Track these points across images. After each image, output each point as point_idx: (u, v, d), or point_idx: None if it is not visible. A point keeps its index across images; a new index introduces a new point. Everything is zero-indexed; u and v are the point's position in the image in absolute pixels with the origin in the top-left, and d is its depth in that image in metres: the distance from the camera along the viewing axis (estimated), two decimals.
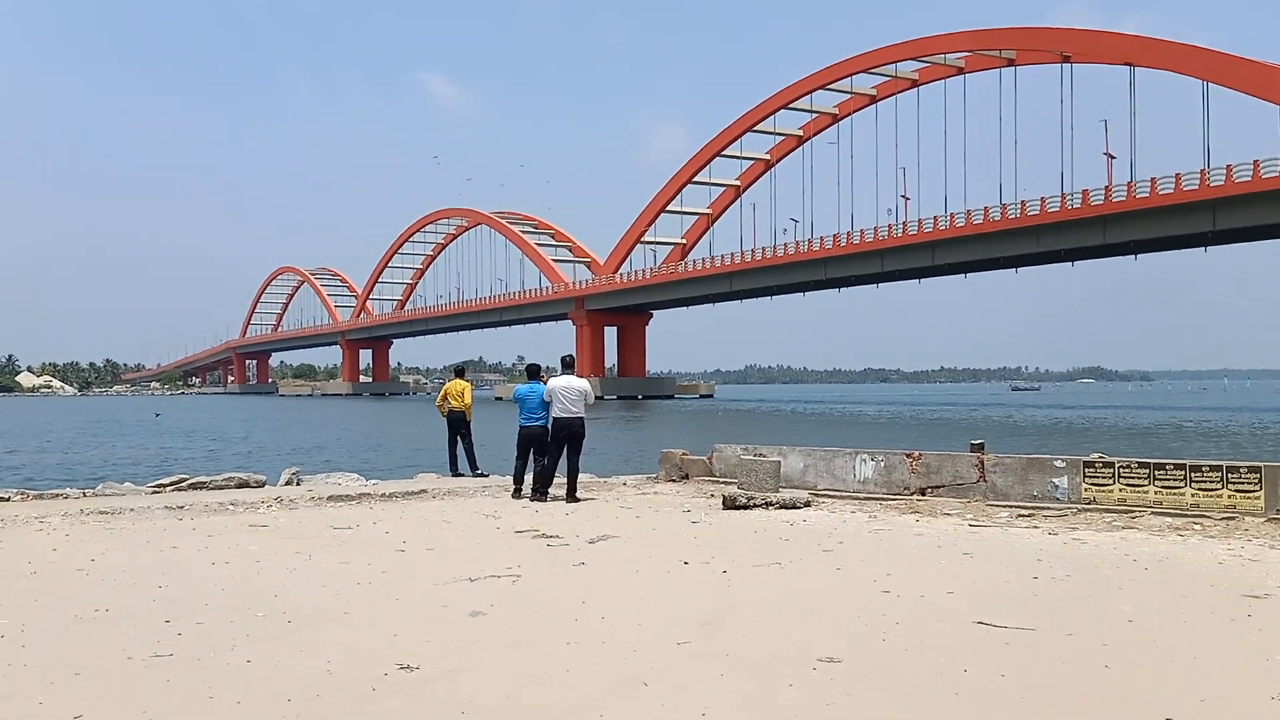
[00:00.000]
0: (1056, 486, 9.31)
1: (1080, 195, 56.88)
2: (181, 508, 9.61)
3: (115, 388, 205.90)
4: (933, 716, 3.64)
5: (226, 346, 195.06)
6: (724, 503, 9.71)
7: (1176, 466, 8.86)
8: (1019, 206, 60.03)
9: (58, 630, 4.93)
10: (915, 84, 75.87)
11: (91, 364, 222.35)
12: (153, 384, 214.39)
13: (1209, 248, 58.26)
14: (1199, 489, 8.65)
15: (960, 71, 71.46)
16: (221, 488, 11.34)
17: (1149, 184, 53.62)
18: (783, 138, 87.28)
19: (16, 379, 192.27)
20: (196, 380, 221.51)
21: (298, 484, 12.12)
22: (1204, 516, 8.42)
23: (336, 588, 5.94)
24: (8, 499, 10.31)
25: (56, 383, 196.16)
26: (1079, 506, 9.07)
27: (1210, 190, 50.60)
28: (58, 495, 10.88)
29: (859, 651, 4.48)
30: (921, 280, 75.03)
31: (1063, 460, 9.46)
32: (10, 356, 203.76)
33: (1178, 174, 52.30)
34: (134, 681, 4.07)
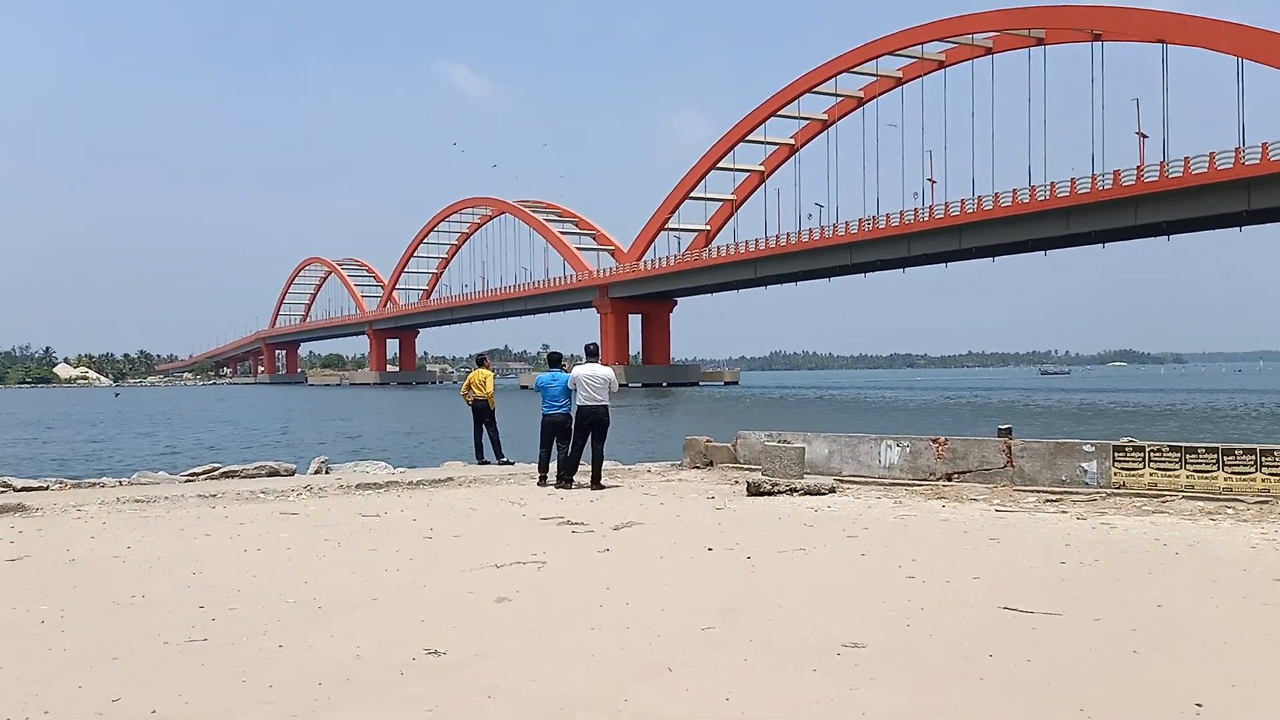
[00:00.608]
0: (1085, 471, 9.22)
1: (1111, 176, 56.04)
2: (214, 496, 9.76)
3: (149, 378, 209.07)
4: (957, 702, 3.63)
5: (256, 337, 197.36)
6: (748, 489, 9.71)
7: (1209, 450, 8.74)
8: (1048, 188, 59.24)
9: (96, 615, 5.04)
10: (942, 65, 74.97)
11: (126, 355, 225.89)
12: (185, 375, 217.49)
13: (1244, 227, 57.21)
14: (1232, 472, 8.54)
15: (988, 52, 70.49)
16: (252, 476, 11.50)
17: (1182, 163, 52.70)
18: (807, 122, 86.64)
19: (54, 370, 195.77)
20: (227, 370, 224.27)
21: (326, 472, 12.27)
22: (1237, 500, 8.31)
23: (365, 574, 6.02)
24: (46, 488, 10.53)
25: (92, 374, 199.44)
26: (1108, 491, 8.98)
27: (1245, 169, 49.66)
28: (94, 484, 11.10)
29: (883, 637, 4.48)
30: (949, 264, 74.38)
31: (1092, 444, 9.37)
32: (48, 348, 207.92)
33: (1211, 153, 51.38)
34: (169, 665, 4.16)
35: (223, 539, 7.39)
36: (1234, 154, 50.46)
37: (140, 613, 5.10)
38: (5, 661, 4.22)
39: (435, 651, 4.30)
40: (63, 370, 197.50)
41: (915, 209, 68.66)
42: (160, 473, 12.26)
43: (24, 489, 10.31)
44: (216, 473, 11.57)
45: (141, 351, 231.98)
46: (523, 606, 5.16)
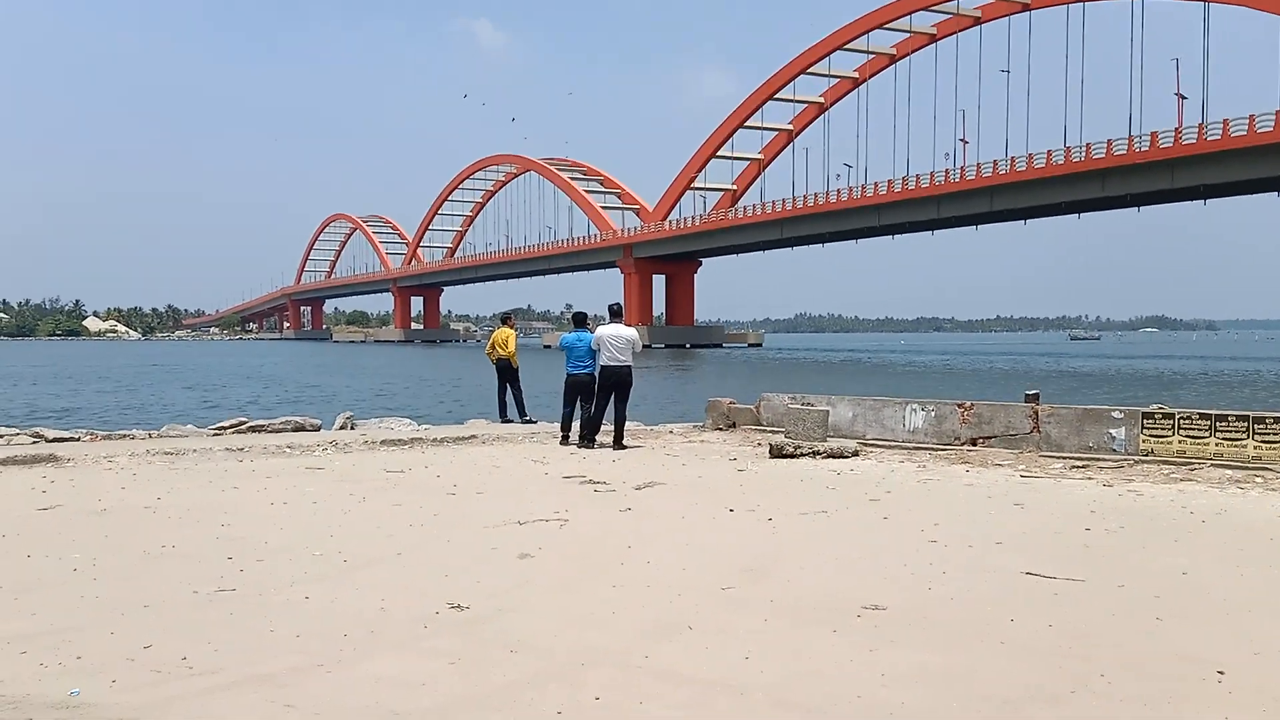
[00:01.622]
0: (1113, 438, 9.14)
1: (1148, 138, 54.82)
2: (241, 450, 9.90)
3: (177, 333, 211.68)
4: (977, 665, 3.64)
5: (282, 293, 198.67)
6: (771, 451, 9.72)
7: (1239, 418, 8.63)
8: (1083, 149, 58.07)
9: (127, 565, 5.15)
10: (978, 22, 73.26)
11: (154, 309, 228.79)
12: (211, 329, 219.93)
13: None
14: (1262, 441, 8.44)
15: (1025, 8, 68.80)
16: (279, 431, 11.65)
17: (1220, 126, 51.43)
18: (838, 80, 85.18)
19: (84, 323, 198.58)
20: (254, 326, 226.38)
21: (352, 428, 12.40)
22: (1266, 469, 8.22)
23: (390, 529, 6.10)
24: (78, 439, 10.73)
25: (121, 327, 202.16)
26: (1136, 458, 8.91)
27: None
28: (125, 436, 11.29)
29: (904, 600, 4.49)
30: (979, 227, 73.34)
31: (1120, 411, 9.28)
32: (78, 301, 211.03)
33: (1251, 115, 50.08)
34: (199, 615, 4.25)
35: (250, 492, 7.51)
36: (1274, 117, 49.14)
37: (170, 563, 5.20)
38: (39, 608, 4.33)
39: (459, 606, 4.36)
40: (92, 323, 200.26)
41: (946, 170, 67.60)
42: (189, 426, 12.45)
43: (56, 440, 10.51)
44: (243, 427, 11.73)
45: (169, 306, 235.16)
46: (545, 563, 5.22)
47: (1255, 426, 8.49)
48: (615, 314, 11.19)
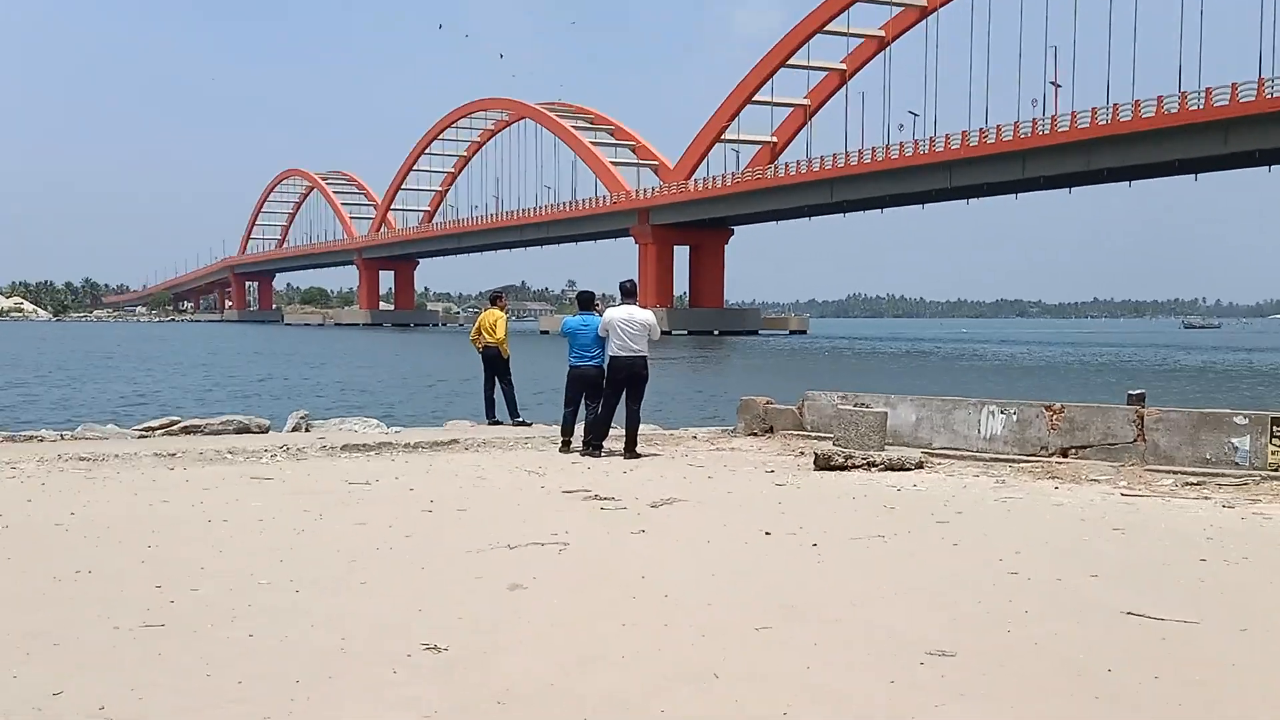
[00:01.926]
0: (1236, 449, 9.11)
1: None
2: (173, 455, 9.98)
3: (95, 312, 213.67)
4: None
5: (223, 265, 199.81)
6: (816, 462, 9.74)
7: None
8: (1202, 95, 57.62)
9: (34, 594, 5.19)
10: None
11: (68, 284, 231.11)
12: (138, 308, 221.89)
13: None
14: None
15: None
16: (219, 433, 11.73)
17: None
18: (902, 8, 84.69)
19: None
20: (189, 305, 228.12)
21: (307, 430, 12.47)
22: None
23: (352, 553, 6.14)
24: None
25: (28, 305, 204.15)
26: (1264, 474, 8.87)
27: None
28: (31, 437, 11.38)
29: (977, 644, 4.49)
30: (1073, 189, 73.08)
31: (1245, 415, 9.24)
32: None
33: None
34: (121, 654, 4.28)
35: (183, 506, 7.57)
36: None
37: (87, 590, 5.25)
38: None
39: (435, 647, 4.39)
40: None
41: (1034, 119, 67.30)
42: (109, 426, 12.54)
43: None
44: (175, 428, 11.82)
45: (86, 280, 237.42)
46: (540, 596, 5.24)
47: None
48: (628, 293, 11.21)
